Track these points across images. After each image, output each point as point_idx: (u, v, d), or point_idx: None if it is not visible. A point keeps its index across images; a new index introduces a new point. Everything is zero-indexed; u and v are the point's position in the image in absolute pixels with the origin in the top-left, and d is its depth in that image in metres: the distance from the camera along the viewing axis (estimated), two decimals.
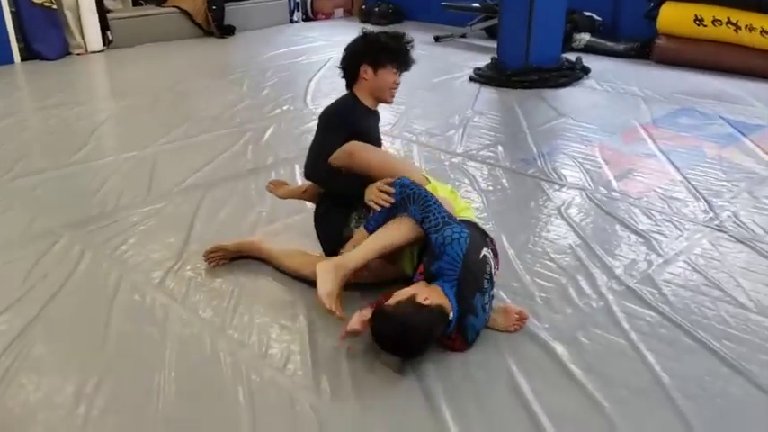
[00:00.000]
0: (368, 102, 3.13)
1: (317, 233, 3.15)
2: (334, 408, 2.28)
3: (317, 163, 3.04)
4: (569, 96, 6.19)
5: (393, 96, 3.15)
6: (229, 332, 2.69)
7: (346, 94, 3.16)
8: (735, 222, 3.58)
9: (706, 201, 3.84)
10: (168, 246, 3.38)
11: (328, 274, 2.59)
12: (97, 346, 2.62)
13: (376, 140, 3.18)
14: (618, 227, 3.56)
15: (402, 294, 2.43)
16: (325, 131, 3.07)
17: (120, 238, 3.45)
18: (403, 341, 2.39)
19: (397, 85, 3.11)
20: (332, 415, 2.25)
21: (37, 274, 3.13)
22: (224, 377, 2.43)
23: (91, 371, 2.46)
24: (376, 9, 10.03)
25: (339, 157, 2.92)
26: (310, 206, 3.37)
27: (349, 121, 3.07)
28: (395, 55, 3.07)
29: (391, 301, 2.42)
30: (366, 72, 3.06)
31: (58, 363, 2.53)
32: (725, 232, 3.48)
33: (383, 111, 5.50)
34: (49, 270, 3.16)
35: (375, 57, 3.05)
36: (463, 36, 8.84)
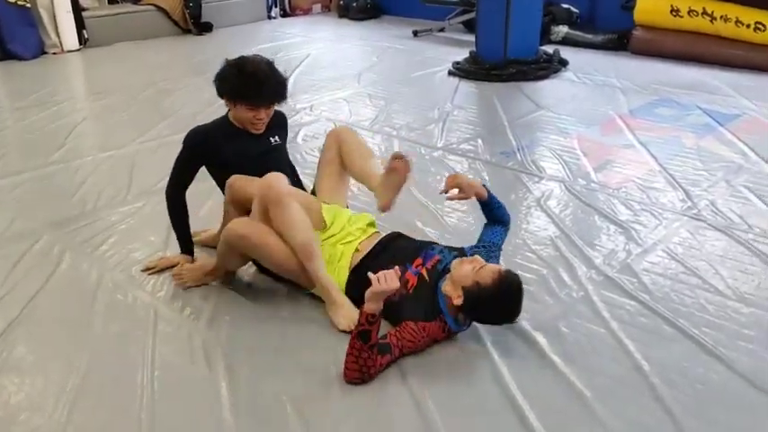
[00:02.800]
0: (239, 123, 3.02)
1: None
2: (318, 405, 2.29)
3: (167, 189, 3.08)
4: (548, 89, 6.22)
5: (258, 129, 3.00)
6: (212, 330, 2.69)
7: (219, 118, 3.11)
8: (712, 211, 3.61)
9: (684, 190, 3.87)
10: (149, 244, 3.37)
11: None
12: (79, 345, 2.61)
13: (253, 157, 3.00)
14: (597, 217, 3.59)
15: (483, 272, 2.43)
16: (177, 158, 3.07)
17: (101, 238, 3.44)
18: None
19: (259, 119, 2.95)
20: (317, 412, 2.25)
21: (17, 274, 3.12)
22: (208, 375, 2.43)
23: (73, 370, 2.45)
24: (354, 4, 10.00)
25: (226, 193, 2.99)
26: None
27: (202, 148, 3.00)
28: (241, 92, 2.91)
29: (492, 271, 2.43)
30: (227, 103, 2.99)
31: (39, 363, 2.52)
32: (703, 221, 3.51)
33: (364, 107, 5.58)
34: (29, 270, 3.15)
35: (227, 95, 2.95)
36: (441, 30, 8.85)
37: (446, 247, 2.78)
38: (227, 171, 2.98)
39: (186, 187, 3.08)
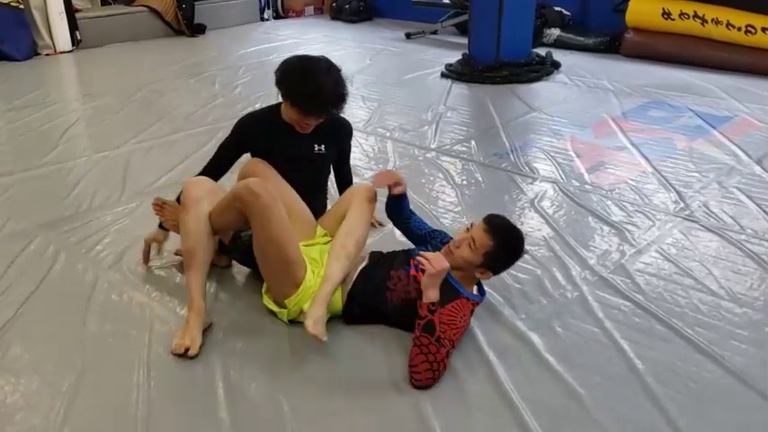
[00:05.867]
0: (287, 119, 2.96)
1: None
2: (314, 404, 2.29)
3: (201, 171, 3.06)
4: (540, 91, 6.25)
5: (304, 130, 2.93)
6: (209, 330, 2.67)
7: (275, 104, 3.05)
8: (705, 212, 3.64)
9: (677, 191, 3.90)
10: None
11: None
12: (75, 345, 2.61)
13: (287, 158, 2.95)
14: (591, 218, 3.61)
15: (478, 241, 2.56)
16: (221, 143, 3.11)
17: (96, 238, 3.44)
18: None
19: (307, 124, 2.89)
20: (313, 412, 2.26)
21: (12, 275, 3.11)
22: (203, 375, 2.43)
23: (69, 370, 2.45)
24: (347, 6, 10.01)
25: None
26: None
27: (250, 133, 3.01)
28: (297, 100, 2.82)
29: (483, 233, 2.57)
30: (281, 96, 2.92)
31: (35, 363, 2.52)
32: (695, 222, 3.54)
33: (358, 109, 5.60)
34: (24, 271, 3.14)
35: (283, 91, 2.87)
36: (434, 32, 8.86)
37: (415, 248, 2.87)
38: None
39: (219, 175, 3.05)
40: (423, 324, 2.35)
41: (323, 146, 3.03)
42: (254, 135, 3.01)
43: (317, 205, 3.06)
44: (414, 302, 2.51)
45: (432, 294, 2.39)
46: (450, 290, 2.54)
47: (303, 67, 2.84)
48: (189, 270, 2.71)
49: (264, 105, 5.62)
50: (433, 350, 2.31)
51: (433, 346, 2.32)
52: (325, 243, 2.85)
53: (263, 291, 2.77)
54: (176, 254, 3.20)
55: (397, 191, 2.86)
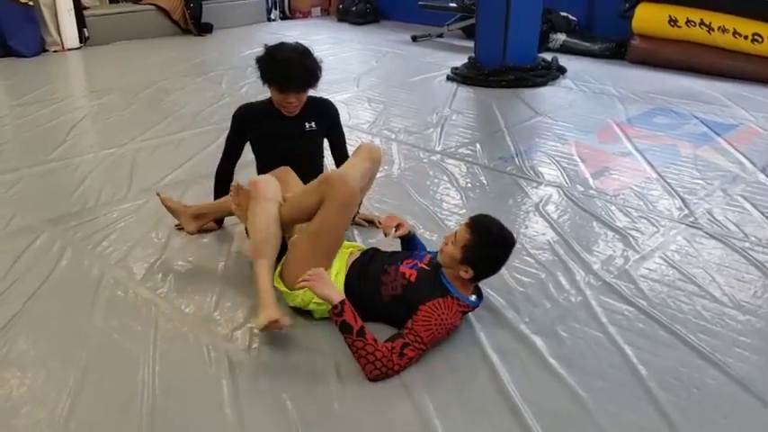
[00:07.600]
0: (276, 104, 3.21)
1: None
2: (318, 403, 2.30)
3: (217, 167, 3.40)
4: (546, 95, 6.26)
5: (290, 112, 3.19)
6: (213, 327, 2.70)
7: (269, 97, 3.27)
8: (709, 219, 3.64)
9: (681, 198, 3.90)
10: (150, 241, 3.38)
11: None
12: (80, 341, 2.62)
13: (282, 136, 3.22)
14: (595, 223, 3.61)
15: (459, 238, 2.55)
16: (227, 134, 3.34)
17: (102, 235, 3.46)
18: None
19: (290, 103, 3.14)
20: (316, 410, 2.27)
21: (18, 270, 3.13)
22: (208, 371, 2.45)
23: (74, 366, 2.46)
24: (353, 8, 10.03)
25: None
26: None
27: (245, 122, 3.28)
28: (270, 76, 3.11)
29: (463, 231, 2.55)
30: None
31: (41, 358, 2.53)
32: (699, 229, 3.54)
33: (363, 111, 5.61)
34: (30, 266, 3.16)
35: (261, 77, 3.14)
36: (440, 36, 8.89)
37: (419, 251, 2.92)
38: (259, 146, 3.31)
39: (234, 163, 3.37)
40: (338, 328, 2.43)
41: (313, 123, 3.30)
42: (250, 121, 3.27)
43: (314, 178, 3.13)
44: (399, 300, 2.56)
45: (330, 299, 2.45)
46: (438, 287, 2.56)
47: (270, 52, 3.12)
48: (258, 262, 2.76)
49: None
50: (360, 344, 2.38)
51: (359, 341, 2.38)
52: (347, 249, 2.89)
53: (276, 273, 2.80)
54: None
55: (400, 232, 2.93)
